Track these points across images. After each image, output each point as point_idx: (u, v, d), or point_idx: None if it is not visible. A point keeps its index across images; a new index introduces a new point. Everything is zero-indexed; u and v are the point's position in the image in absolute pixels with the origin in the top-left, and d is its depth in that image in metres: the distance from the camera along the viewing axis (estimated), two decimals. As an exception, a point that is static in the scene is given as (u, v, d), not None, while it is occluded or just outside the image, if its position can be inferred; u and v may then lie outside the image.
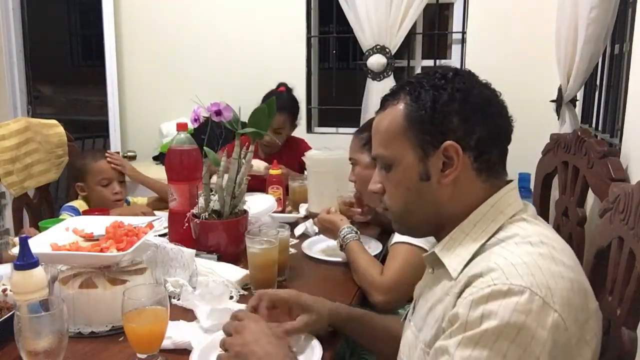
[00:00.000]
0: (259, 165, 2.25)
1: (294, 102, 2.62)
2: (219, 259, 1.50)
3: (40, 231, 1.39)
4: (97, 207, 1.94)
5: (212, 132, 1.55)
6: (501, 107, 0.90)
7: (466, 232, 0.87)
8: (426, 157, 0.87)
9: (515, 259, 0.76)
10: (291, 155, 2.52)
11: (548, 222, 1.65)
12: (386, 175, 0.93)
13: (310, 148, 2.64)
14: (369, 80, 3.01)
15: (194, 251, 1.40)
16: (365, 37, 2.93)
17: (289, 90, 2.65)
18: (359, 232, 1.55)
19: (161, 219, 1.47)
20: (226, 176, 1.54)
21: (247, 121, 1.52)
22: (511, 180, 0.91)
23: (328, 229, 1.62)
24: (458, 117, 0.85)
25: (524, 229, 0.83)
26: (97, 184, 2.01)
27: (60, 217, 1.79)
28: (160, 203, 2.12)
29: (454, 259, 0.86)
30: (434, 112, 0.86)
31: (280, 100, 2.27)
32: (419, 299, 0.97)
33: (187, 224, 1.55)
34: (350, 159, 1.72)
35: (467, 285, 0.77)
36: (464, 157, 0.86)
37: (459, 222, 0.88)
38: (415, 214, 0.92)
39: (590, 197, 1.47)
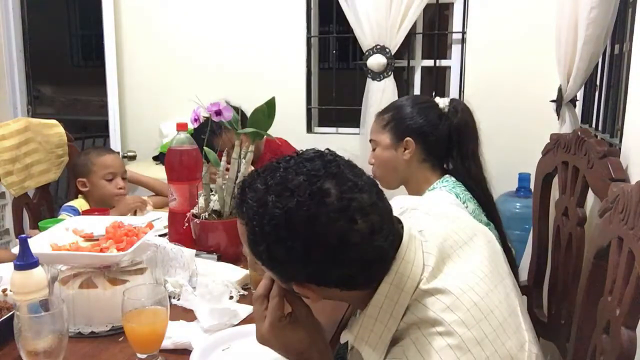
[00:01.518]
0: None
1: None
2: (219, 259, 1.50)
3: (40, 231, 1.39)
4: (98, 204, 1.96)
5: (211, 134, 1.55)
6: (364, 235, 0.73)
7: (374, 317, 0.80)
8: (285, 282, 0.82)
9: None
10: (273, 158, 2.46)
11: (548, 223, 1.66)
12: None
13: (293, 148, 2.61)
14: (369, 80, 3.00)
15: (194, 251, 1.40)
16: (365, 37, 2.93)
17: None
18: None
19: (161, 219, 1.48)
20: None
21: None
22: (401, 235, 0.80)
23: None
24: (301, 271, 0.76)
25: (430, 309, 0.76)
26: (102, 178, 2.01)
27: (60, 217, 1.79)
28: (159, 201, 2.13)
29: (370, 354, 0.81)
30: (271, 264, 0.78)
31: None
32: None
33: (187, 224, 1.55)
34: (370, 140, 1.62)
35: None
36: (323, 289, 0.78)
37: (362, 303, 0.82)
38: None
39: (590, 197, 1.47)
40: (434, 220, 0.91)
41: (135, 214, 1.97)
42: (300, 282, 0.79)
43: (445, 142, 1.51)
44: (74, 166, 2.13)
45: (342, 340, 0.90)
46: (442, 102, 1.54)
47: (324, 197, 0.72)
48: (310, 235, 0.71)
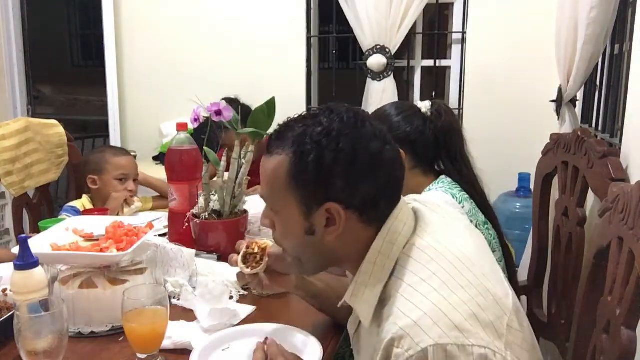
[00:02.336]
0: None
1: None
2: (219, 259, 1.50)
3: (40, 231, 1.39)
4: (104, 203, 1.97)
5: (212, 132, 1.55)
6: (392, 158, 0.88)
7: (369, 273, 0.87)
8: (309, 213, 0.87)
9: (416, 312, 0.76)
10: None
11: (548, 223, 1.66)
12: (274, 216, 0.93)
13: None
14: (369, 80, 3.01)
15: (194, 251, 1.40)
16: (365, 37, 2.93)
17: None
18: None
19: (161, 219, 1.48)
20: (226, 175, 1.54)
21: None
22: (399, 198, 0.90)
23: None
24: (341, 179, 0.84)
25: (416, 260, 0.84)
26: (114, 178, 2.02)
27: (60, 217, 1.79)
28: (164, 203, 2.13)
29: (363, 305, 0.87)
30: (316, 173, 0.84)
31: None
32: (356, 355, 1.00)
33: (187, 224, 1.55)
34: None
35: (387, 355, 0.78)
36: (348, 213, 0.86)
37: (357, 261, 0.89)
38: (307, 261, 0.95)
39: (590, 197, 1.47)
40: (422, 204, 0.99)
41: (122, 209, 1.97)
42: (332, 201, 0.85)
43: (433, 146, 1.50)
44: (87, 162, 2.13)
45: (339, 305, 0.96)
46: (424, 106, 1.52)
47: (364, 123, 0.87)
48: (357, 140, 0.85)
